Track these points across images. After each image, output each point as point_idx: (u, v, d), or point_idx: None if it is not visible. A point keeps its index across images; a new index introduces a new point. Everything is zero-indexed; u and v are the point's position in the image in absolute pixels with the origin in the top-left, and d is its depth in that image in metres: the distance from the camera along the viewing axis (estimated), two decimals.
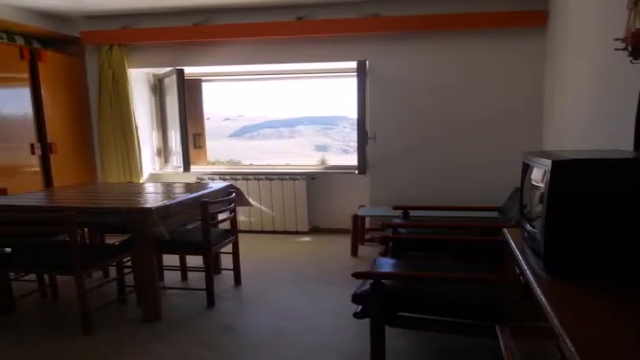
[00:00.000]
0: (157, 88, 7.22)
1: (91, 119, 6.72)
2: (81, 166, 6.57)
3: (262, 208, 6.74)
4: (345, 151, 10.79)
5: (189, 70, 6.71)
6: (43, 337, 3.60)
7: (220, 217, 4.74)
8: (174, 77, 6.60)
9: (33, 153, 5.78)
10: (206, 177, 6.85)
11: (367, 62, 6.00)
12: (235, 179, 6.71)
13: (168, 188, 4.80)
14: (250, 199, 5.70)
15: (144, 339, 3.53)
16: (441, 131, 5.98)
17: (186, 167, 6.76)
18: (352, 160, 6.62)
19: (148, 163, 7.02)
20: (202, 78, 7.23)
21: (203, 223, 4.09)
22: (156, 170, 7.19)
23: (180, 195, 4.20)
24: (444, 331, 2.90)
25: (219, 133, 12.20)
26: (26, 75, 5.72)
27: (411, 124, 6.04)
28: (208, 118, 7.76)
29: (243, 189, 5.99)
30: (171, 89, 6.89)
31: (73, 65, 6.47)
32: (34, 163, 5.82)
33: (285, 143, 13.12)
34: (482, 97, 5.85)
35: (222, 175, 6.86)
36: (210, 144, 7.67)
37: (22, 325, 3.82)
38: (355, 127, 6.17)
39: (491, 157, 5.84)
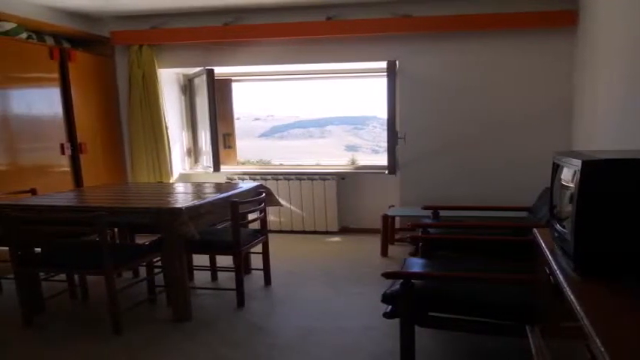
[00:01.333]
0: (187, 88, 7.31)
1: (120, 119, 6.83)
2: (111, 166, 6.67)
3: (292, 208, 6.77)
4: (375, 151, 10.76)
5: (219, 70, 6.79)
6: (72, 337, 3.66)
7: (250, 217, 4.78)
8: (204, 77, 6.68)
9: (63, 153, 5.87)
10: (236, 177, 6.92)
11: (397, 62, 5.99)
12: (265, 179, 6.76)
13: (198, 188, 4.85)
14: (280, 199, 5.74)
15: (174, 339, 3.57)
16: (470, 131, 5.94)
17: (217, 167, 6.83)
18: (382, 160, 6.62)
19: (178, 163, 7.12)
20: (232, 78, 7.30)
21: (233, 223, 4.10)
22: (186, 170, 7.28)
23: (211, 195, 4.24)
24: (474, 331, 2.89)
25: (249, 133, 12.27)
26: (56, 75, 5.81)
27: (441, 125, 6.01)
28: (238, 118, 7.83)
29: (273, 189, 6.04)
30: (201, 89, 6.97)
31: (103, 65, 6.57)
32: (64, 163, 5.92)
33: (315, 143, 13.13)
34: (511, 97, 5.80)
35: (252, 175, 6.92)
36: (240, 144, 7.74)
37: (52, 325, 3.88)
38: (385, 127, 6.16)
39: (521, 157, 5.79)
